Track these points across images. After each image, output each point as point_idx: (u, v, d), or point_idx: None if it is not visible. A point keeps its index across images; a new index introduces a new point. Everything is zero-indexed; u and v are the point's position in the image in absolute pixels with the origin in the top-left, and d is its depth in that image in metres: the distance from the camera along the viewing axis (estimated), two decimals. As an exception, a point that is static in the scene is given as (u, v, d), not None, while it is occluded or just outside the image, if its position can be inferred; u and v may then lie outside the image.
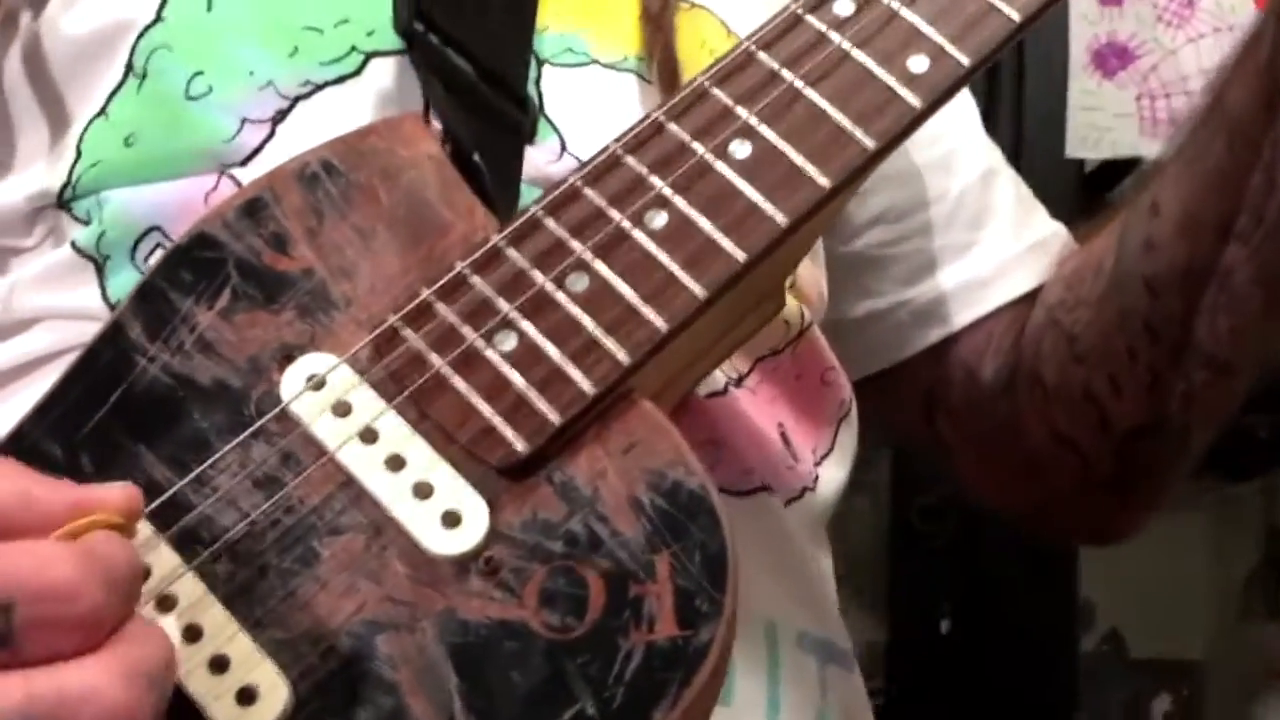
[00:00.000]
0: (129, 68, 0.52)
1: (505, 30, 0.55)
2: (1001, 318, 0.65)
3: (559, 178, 0.53)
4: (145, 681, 0.34)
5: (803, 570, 0.56)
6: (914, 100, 0.46)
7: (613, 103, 0.56)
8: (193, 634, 0.40)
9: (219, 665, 0.39)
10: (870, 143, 0.45)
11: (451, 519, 0.41)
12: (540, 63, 0.56)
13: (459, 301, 0.44)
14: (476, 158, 0.50)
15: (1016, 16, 0.47)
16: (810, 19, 0.47)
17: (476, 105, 0.52)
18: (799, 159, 0.45)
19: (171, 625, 0.40)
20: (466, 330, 0.43)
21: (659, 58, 0.56)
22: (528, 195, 0.52)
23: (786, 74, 0.46)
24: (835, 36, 0.47)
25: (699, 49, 0.58)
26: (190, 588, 0.40)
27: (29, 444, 0.44)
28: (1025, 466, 0.66)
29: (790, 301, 0.56)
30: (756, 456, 0.54)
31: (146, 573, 0.40)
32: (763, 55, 0.47)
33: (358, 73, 0.53)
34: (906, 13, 0.47)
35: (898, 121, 0.46)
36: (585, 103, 0.56)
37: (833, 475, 0.59)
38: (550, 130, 0.55)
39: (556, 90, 0.56)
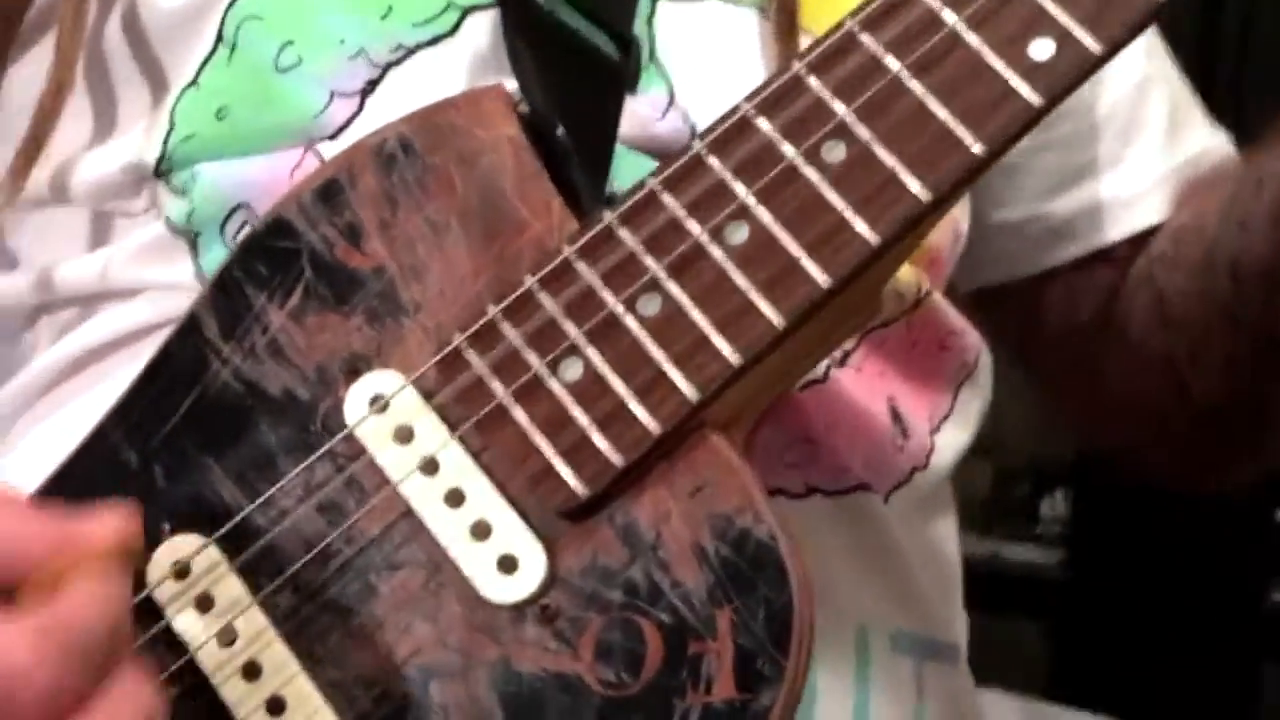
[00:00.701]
0: (219, 37, 0.50)
1: None
2: (1121, 247, 0.60)
3: (663, 136, 0.50)
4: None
5: (901, 567, 0.53)
6: (1033, 97, 0.40)
7: (730, 45, 0.51)
8: (252, 672, 0.40)
9: (276, 707, 0.40)
10: (979, 148, 0.40)
11: (508, 564, 0.40)
12: None
13: (525, 322, 0.41)
14: (561, 132, 0.46)
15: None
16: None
17: (570, 59, 0.49)
18: (897, 166, 0.40)
19: (233, 663, 0.40)
20: (531, 356, 0.41)
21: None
22: (625, 158, 0.48)
23: (890, 61, 0.41)
24: (948, 15, 0.41)
25: None
26: (253, 621, 0.40)
27: (108, 448, 0.44)
28: (1102, 410, 0.64)
29: (906, 272, 0.52)
30: (856, 450, 0.52)
31: (209, 603, 0.41)
32: (865, 38, 0.41)
33: (453, 31, 0.50)
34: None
35: (1013, 121, 0.40)
36: (700, 43, 0.51)
37: (952, 440, 0.56)
38: (659, 77, 0.51)
39: (670, 28, 0.51)
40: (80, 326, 0.52)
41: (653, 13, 0.51)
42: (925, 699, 0.53)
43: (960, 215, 0.57)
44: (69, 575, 0.35)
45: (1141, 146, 0.60)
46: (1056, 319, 0.62)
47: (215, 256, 0.49)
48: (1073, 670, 1.45)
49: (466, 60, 0.50)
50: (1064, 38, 0.40)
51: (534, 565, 0.40)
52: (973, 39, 0.41)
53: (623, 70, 0.50)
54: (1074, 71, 0.40)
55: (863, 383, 0.51)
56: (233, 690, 0.40)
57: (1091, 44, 0.40)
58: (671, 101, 0.51)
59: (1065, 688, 1.41)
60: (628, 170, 0.49)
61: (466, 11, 0.50)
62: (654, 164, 0.48)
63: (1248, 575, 1.36)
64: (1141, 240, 0.60)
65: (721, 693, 0.39)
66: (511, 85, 0.47)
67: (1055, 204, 0.60)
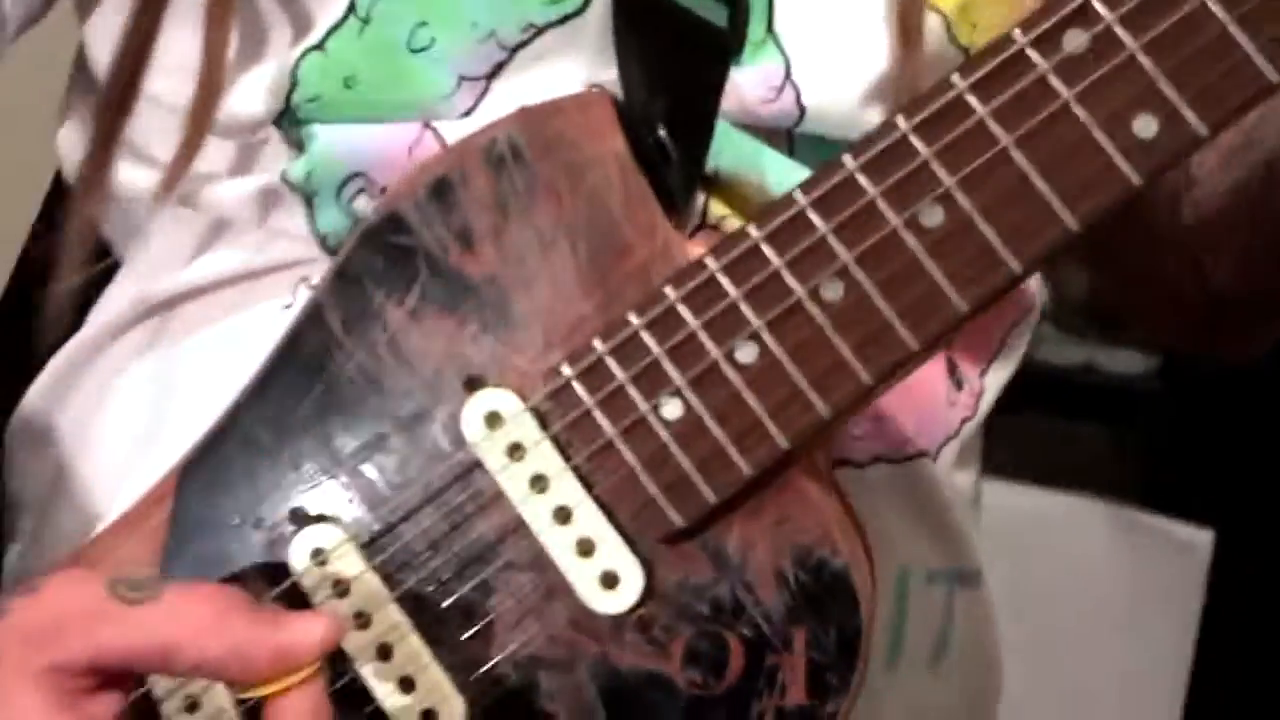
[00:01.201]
0: (351, 8, 0.51)
1: None
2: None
3: (769, 117, 0.51)
4: None
5: (940, 512, 0.58)
6: (1133, 176, 0.42)
7: (853, 22, 0.52)
8: (384, 653, 0.45)
9: (407, 686, 0.45)
10: (1074, 224, 0.42)
11: (610, 580, 0.45)
12: None
13: (630, 361, 0.45)
14: (663, 133, 0.48)
15: (1275, 77, 0.41)
16: (1033, 54, 0.42)
17: (675, 30, 0.50)
18: (993, 238, 0.42)
19: (370, 646, 0.45)
20: (636, 395, 0.44)
21: None
22: (726, 136, 0.50)
23: (996, 129, 0.42)
24: (1058, 84, 0.42)
25: None
26: (390, 615, 0.45)
27: (245, 428, 0.48)
28: (1120, 285, 0.68)
29: None
30: (917, 420, 0.56)
31: (345, 590, 0.46)
32: (972, 99, 0.42)
33: (582, 10, 0.51)
34: (1144, 59, 0.41)
35: (1111, 199, 0.42)
36: (823, 19, 0.52)
37: (998, 378, 0.60)
38: (775, 51, 0.52)
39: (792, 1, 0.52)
40: (198, 259, 0.55)
41: None
42: (953, 620, 0.59)
43: None
44: (287, 692, 0.40)
45: None
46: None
47: (330, 218, 0.52)
48: (1162, 479, 1.51)
49: (593, 38, 0.51)
50: (1171, 116, 0.41)
51: (633, 582, 0.45)
52: (1079, 110, 0.42)
53: (729, 40, 0.51)
54: (1176, 150, 0.42)
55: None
56: (371, 670, 0.45)
57: (1197, 124, 0.41)
58: (787, 78, 0.52)
59: (1155, 496, 1.48)
60: (729, 149, 0.51)
61: None
62: (755, 143, 0.51)
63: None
64: None
65: (794, 699, 0.44)
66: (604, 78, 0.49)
67: None
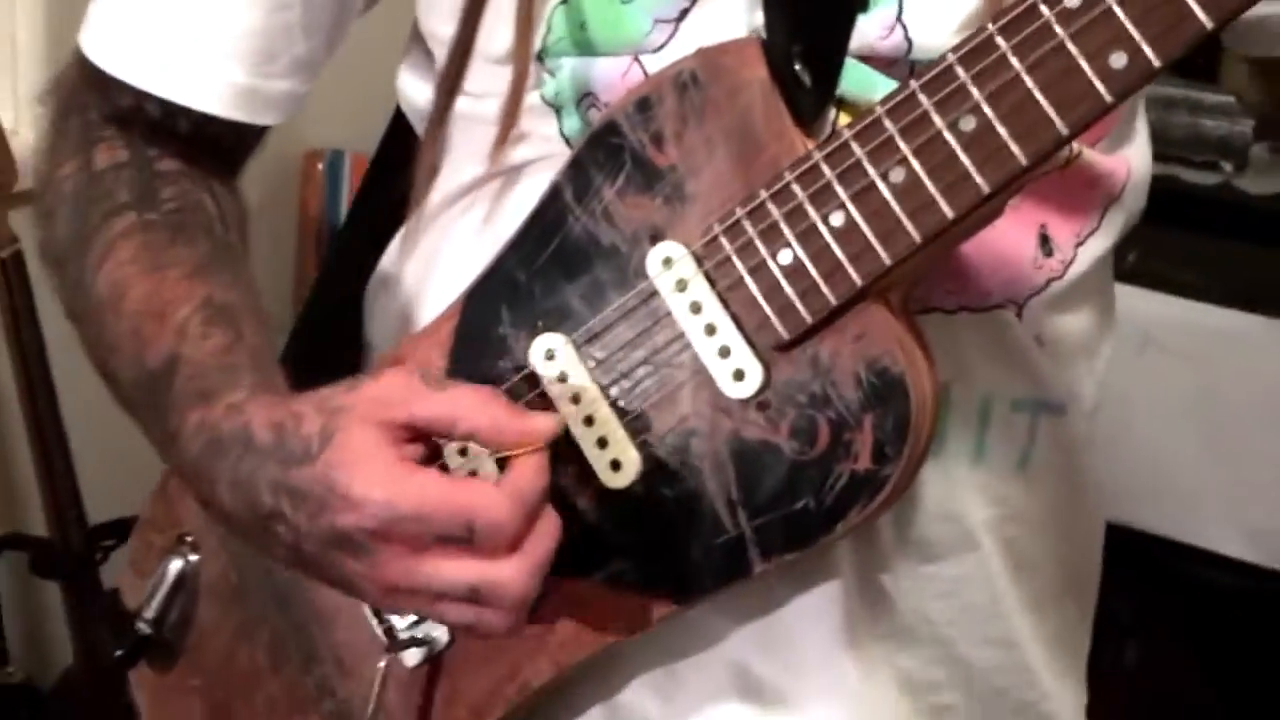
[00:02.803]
0: None
1: None
2: None
3: (884, 52, 0.65)
4: (539, 570, 0.59)
5: (1024, 350, 0.70)
6: (1106, 96, 0.55)
7: None
8: (589, 422, 0.65)
9: (602, 443, 0.65)
10: (1064, 130, 0.56)
11: (739, 375, 0.62)
12: None
13: (758, 219, 0.61)
14: (798, 66, 0.63)
15: (1210, 23, 0.54)
16: (1042, 7, 0.56)
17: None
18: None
19: (580, 415, 0.65)
20: (760, 245, 0.61)
21: None
22: (852, 69, 0.64)
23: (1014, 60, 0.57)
24: (1058, 28, 0.56)
25: None
26: (592, 395, 0.65)
27: (507, 267, 0.68)
28: None
29: None
30: (999, 278, 0.68)
31: (565, 378, 0.65)
32: (999, 39, 0.57)
33: None
34: (1119, 10, 0.55)
35: (1091, 111, 0.56)
36: None
37: (1094, 249, 0.71)
38: None
39: None
40: (483, 152, 0.71)
41: None
42: (1035, 442, 0.72)
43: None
44: (527, 462, 0.60)
45: None
46: None
47: (572, 124, 0.69)
48: (1234, 276, 1.57)
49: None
50: (1135, 53, 0.55)
51: (755, 377, 0.62)
52: (1071, 46, 0.56)
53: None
54: (1139, 78, 0.55)
55: (1014, 218, 0.66)
56: (580, 432, 0.64)
57: (1153, 58, 0.55)
58: (898, 18, 0.64)
59: (1228, 295, 1.55)
60: (854, 78, 0.64)
61: None
62: (872, 73, 0.65)
63: None
64: None
65: (862, 464, 0.61)
66: (760, 20, 0.64)
67: None
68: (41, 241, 0.76)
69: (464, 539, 0.59)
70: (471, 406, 0.61)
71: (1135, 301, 1.49)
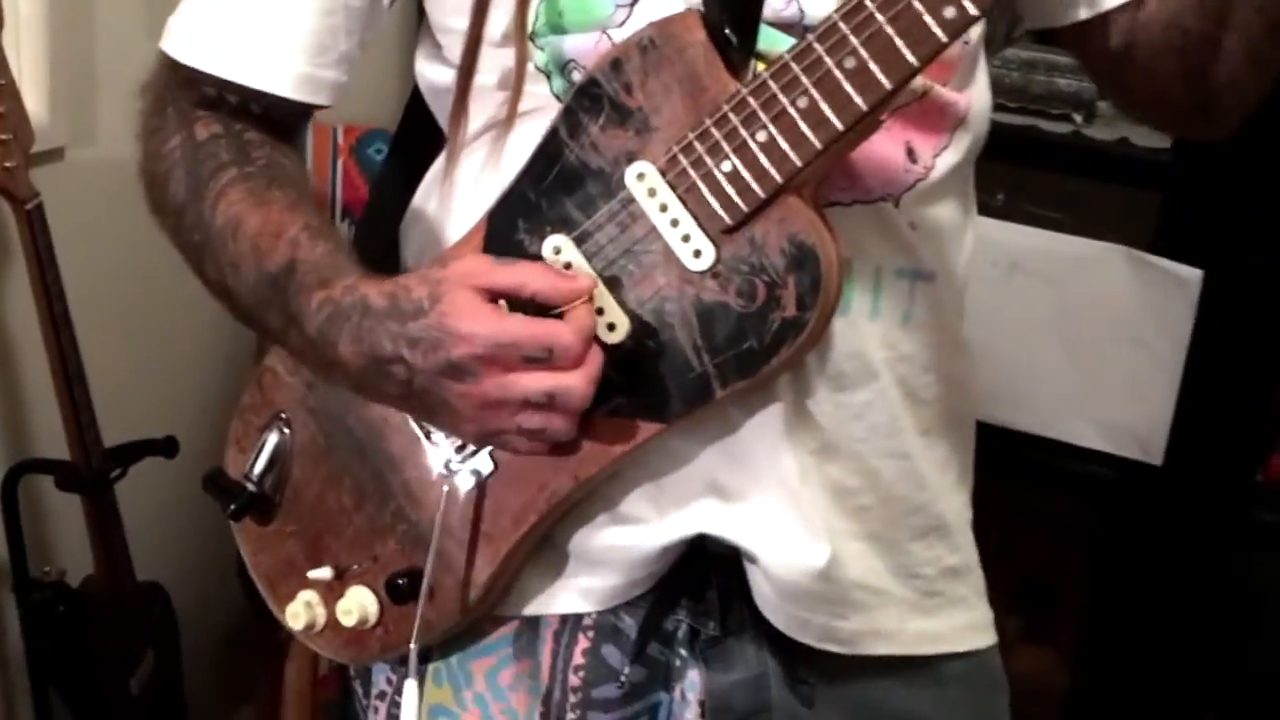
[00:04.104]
0: None
1: None
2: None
3: (786, 18, 0.86)
4: (594, 381, 0.82)
5: (902, 233, 0.90)
6: (941, 36, 0.78)
7: None
8: (589, 298, 0.86)
9: (600, 311, 0.86)
10: (914, 61, 0.79)
11: (697, 254, 0.84)
12: None
13: (705, 139, 0.83)
14: (728, 31, 0.84)
15: None
16: None
17: None
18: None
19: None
20: (708, 159, 0.83)
21: None
22: (765, 32, 0.85)
23: (877, 15, 0.79)
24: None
25: None
26: (588, 270, 0.86)
27: (521, 189, 0.89)
28: (1131, 100, 1.00)
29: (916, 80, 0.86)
30: (880, 178, 0.88)
31: (569, 266, 0.87)
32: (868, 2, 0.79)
33: None
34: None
35: (930, 47, 0.78)
36: None
37: (948, 160, 0.91)
38: None
39: None
40: (491, 110, 0.93)
41: None
42: (915, 302, 0.92)
43: (972, 31, 0.93)
44: (581, 308, 0.82)
45: None
46: (1096, 49, 0.94)
47: (559, 84, 0.89)
48: (1178, 232, 1.72)
49: None
50: (960, 7, 0.78)
51: (709, 254, 0.84)
52: (918, 5, 0.78)
53: None
54: (964, 24, 0.78)
55: (887, 135, 0.87)
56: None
57: (974, 11, 0.78)
58: None
59: (1171, 247, 1.71)
60: (766, 38, 0.85)
61: None
62: (777, 33, 0.85)
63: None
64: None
65: (790, 312, 0.83)
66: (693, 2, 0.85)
67: None
68: (157, 199, 0.93)
69: (544, 359, 0.81)
70: (535, 274, 0.84)
71: (1004, 234, 1.74)
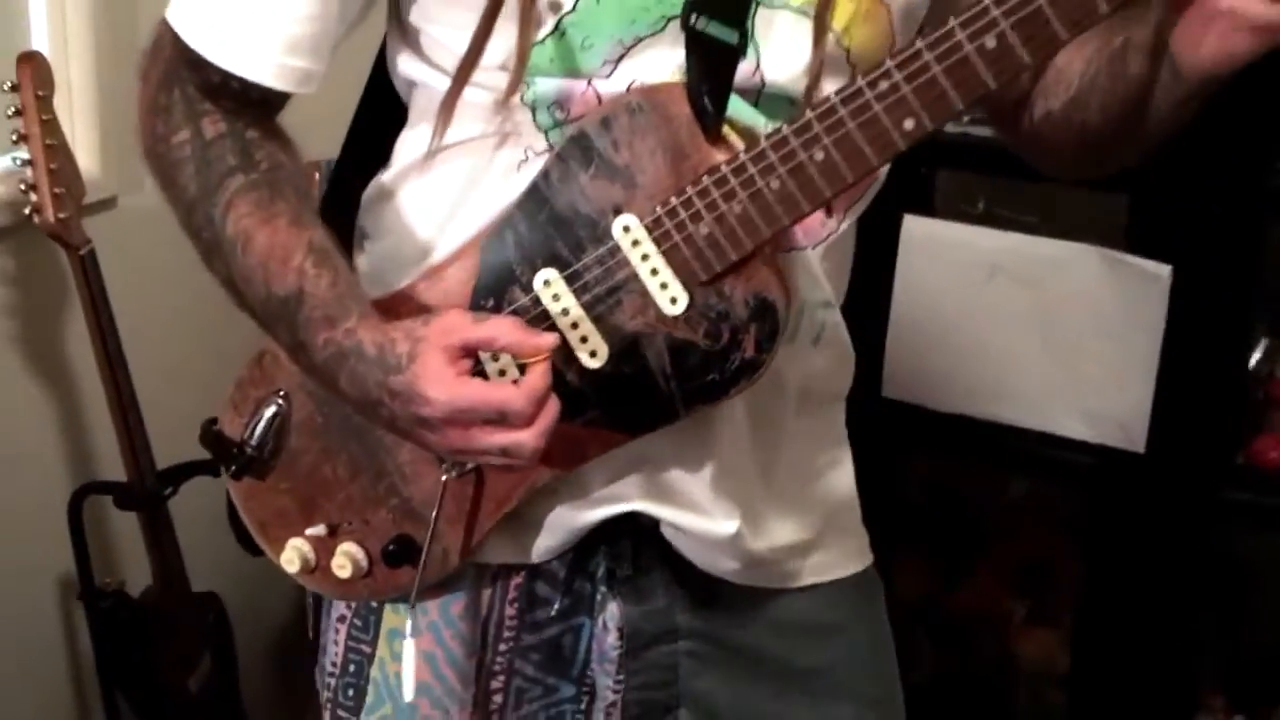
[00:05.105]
0: (556, 25, 0.93)
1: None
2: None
3: (750, 89, 0.95)
4: (545, 435, 0.89)
5: (817, 274, 1.02)
6: (901, 144, 0.88)
7: (790, 34, 0.92)
8: (575, 327, 0.96)
9: (583, 340, 0.96)
10: (875, 162, 0.89)
11: (673, 300, 0.95)
12: (757, 3, 0.92)
13: (689, 206, 0.92)
14: (706, 101, 0.93)
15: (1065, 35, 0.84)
16: (865, 88, 0.88)
17: (710, 47, 0.93)
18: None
19: (568, 325, 0.96)
20: (689, 221, 0.93)
21: (820, 8, 0.93)
22: (734, 100, 0.94)
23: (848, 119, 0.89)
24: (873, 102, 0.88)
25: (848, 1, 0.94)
26: (577, 310, 0.96)
27: (513, 223, 0.97)
28: (1030, 150, 1.11)
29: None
30: (806, 233, 1.00)
31: (558, 300, 0.97)
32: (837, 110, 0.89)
33: (663, 30, 0.92)
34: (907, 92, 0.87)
35: (890, 153, 0.89)
36: (776, 33, 0.93)
37: (855, 213, 1.04)
38: (753, 52, 0.93)
39: (760, 23, 0.92)
40: (474, 122, 0.97)
41: (754, 13, 0.92)
42: (825, 325, 1.05)
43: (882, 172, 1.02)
44: (537, 370, 0.90)
45: None
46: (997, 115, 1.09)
47: (544, 117, 0.95)
48: (1147, 231, 1.76)
49: (669, 41, 0.92)
50: (918, 122, 0.88)
51: (683, 301, 0.94)
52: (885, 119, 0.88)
53: (739, 50, 0.92)
54: (921, 134, 0.88)
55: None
56: (568, 336, 0.95)
57: (929, 124, 0.88)
58: (757, 66, 0.94)
59: (1140, 245, 1.75)
60: (734, 106, 0.93)
61: (668, 20, 0.92)
62: (744, 102, 0.94)
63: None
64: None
65: (748, 354, 0.94)
66: (671, 62, 0.94)
67: None
68: (166, 181, 1.00)
69: (498, 420, 0.91)
70: (505, 330, 0.94)
71: (985, 239, 1.82)
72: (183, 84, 1.00)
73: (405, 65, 1.03)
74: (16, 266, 1.74)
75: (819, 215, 1.00)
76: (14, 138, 1.64)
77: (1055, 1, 0.83)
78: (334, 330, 0.96)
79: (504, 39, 0.95)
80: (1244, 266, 1.73)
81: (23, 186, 1.64)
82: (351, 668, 1.13)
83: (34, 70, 1.62)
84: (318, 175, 2.06)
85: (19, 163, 1.65)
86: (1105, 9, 0.83)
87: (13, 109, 1.62)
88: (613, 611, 1.07)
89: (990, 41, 0.85)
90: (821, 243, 1.03)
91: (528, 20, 0.93)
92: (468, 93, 0.98)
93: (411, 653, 1.04)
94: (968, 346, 1.86)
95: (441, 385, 0.91)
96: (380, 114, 1.09)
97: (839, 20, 0.95)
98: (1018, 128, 1.09)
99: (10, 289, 1.74)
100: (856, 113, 0.88)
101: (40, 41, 1.73)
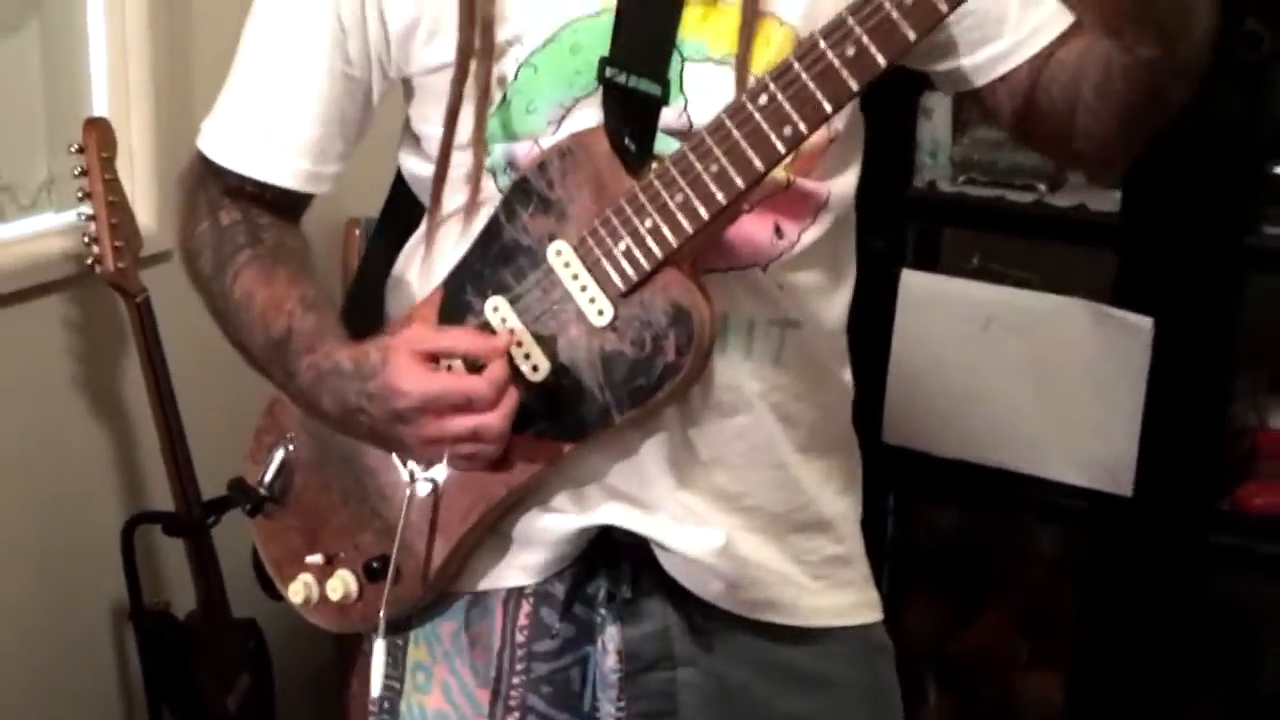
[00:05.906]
0: (504, 96, 1.07)
1: (659, 44, 1.06)
2: (1021, 69, 1.10)
3: (677, 128, 1.07)
4: (509, 418, 1.03)
5: (771, 293, 1.09)
6: (781, 148, 0.99)
7: (715, 83, 1.04)
8: (519, 344, 1.08)
9: (527, 356, 1.08)
10: (761, 168, 1.00)
11: (600, 312, 1.06)
12: (683, 60, 1.05)
13: (610, 227, 1.04)
14: (628, 141, 1.06)
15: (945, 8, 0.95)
16: (754, 108, 1.00)
17: (635, 97, 1.06)
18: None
19: (513, 343, 1.09)
20: (611, 243, 1.04)
21: (740, 58, 1.05)
22: (660, 139, 1.07)
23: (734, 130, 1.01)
24: (761, 121, 1.00)
25: (766, 48, 1.05)
26: (521, 328, 1.08)
27: (469, 261, 1.11)
28: (1036, 142, 1.19)
29: (779, 172, 1.06)
30: (749, 252, 1.08)
31: (505, 322, 1.09)
32: (727, 124, 1.01)
33: (594, 93, 1.06)
34: (784, 103, 0.99)
35: (774, 157, 1.00)
36: (702, 83, 1.05)
37: (813, 235, 1.10)
38: (682, 97, 1.04)
39: (689, 75, 1.05)
40: (458, 197, 1.15)
41: (682, 69, 1.05)
42: (785, 345, 1.11)
43: (837, 120, 1.13)
44: (496, 363, 1.03)
45: (1009, 28, 1.09)
46: (1002, 103, 1.12)
47: (503, 180, 1.11)
48: (1132, 285, 1.83)
49: (597, 104, 1.07)
50: (794, 128, 0.99)
51: (609, 312, 1.05)
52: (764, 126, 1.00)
53: (662, 99, 1.05)
54: (799, 139, 0.99)
55: (758, 218, 1.08)
56: (515, 349, 1.07)
57: (804, 129, 0.99)
58: (685, 109, 1.06)
59: (1126, 298, 1.82)
60: (661, 144, 1.07)
61: (601, 83, 1.05)
62: (671, 140, 1.06)
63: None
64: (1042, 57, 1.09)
65: (670, 358, 1.04)
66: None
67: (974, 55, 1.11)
68: (191, 269, 1.18)
69: (466, 406, 1.03)
70: (462, 338, 1.07)
71: (979, 292, 1.91)
72: (208, 189, 1.17)
73: (408, 160, 1.18)
74: (80, 313, 1.92)
75: (766, 233, 1.09)
76: (79, 195, 1.81)
77: (902, 6, 0.94)
78: (315, 354, 1.10)
79: (468, 118, 1.09)
80: (1223, 319, 1.79)
81: (86, 239, 1.82)
82: (386, 704, 1.21)
83: (99, 134, 1.80)
84: (358, 231, 2.25)
85: (83, 218, 1.82)
86: (945, 9, 0.94)
87: (79, 169, 1.80)
88: (612, 634, 1.12)
89: (850, 49, 0.96)
90: (774, 261, 1.11)
91: (485, 94, 1.07)
92: (451, 172, 1.11)
93: (381, 652, 1.14)
94: (964, 394, 1.92)
95: (412, 378, 1.04)
96: (399, 221, 1.23)
97: (758, 67, 1.05)
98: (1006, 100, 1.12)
99: (73, 333, 1.92)
100: (741, 124, 0.99)
101: (102, 107, 1.92)
